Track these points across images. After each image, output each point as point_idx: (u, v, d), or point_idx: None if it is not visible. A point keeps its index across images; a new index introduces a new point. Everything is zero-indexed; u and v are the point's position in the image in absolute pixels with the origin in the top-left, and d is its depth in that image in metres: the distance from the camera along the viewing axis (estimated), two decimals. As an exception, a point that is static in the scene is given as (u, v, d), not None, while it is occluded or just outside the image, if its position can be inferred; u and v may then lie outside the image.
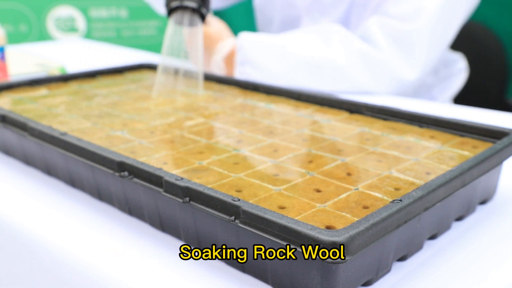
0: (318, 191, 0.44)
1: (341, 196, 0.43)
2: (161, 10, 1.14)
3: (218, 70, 0.97)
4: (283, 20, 1.15)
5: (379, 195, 0.43)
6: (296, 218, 0.39)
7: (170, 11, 0.80)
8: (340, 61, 0.92)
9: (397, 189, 0.44)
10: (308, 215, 0.39)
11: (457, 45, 1.15)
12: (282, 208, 0.41)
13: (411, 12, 0.92)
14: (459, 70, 1.11)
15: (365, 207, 0.41)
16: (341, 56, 0.92)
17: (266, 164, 0.50)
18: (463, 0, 0.95)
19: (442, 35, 0.95)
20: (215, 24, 1.00)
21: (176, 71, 0.82)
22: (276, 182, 0.45)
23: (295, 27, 1.11)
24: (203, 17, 0.81)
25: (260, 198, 0.42)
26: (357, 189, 0.44)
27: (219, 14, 2.02)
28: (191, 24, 0.80)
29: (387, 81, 0.93)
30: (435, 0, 0.92)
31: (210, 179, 0.46)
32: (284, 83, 0.92)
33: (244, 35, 0.95)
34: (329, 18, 1.05)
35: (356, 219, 0.39)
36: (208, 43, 0.98)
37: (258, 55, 0.93)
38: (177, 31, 0.81)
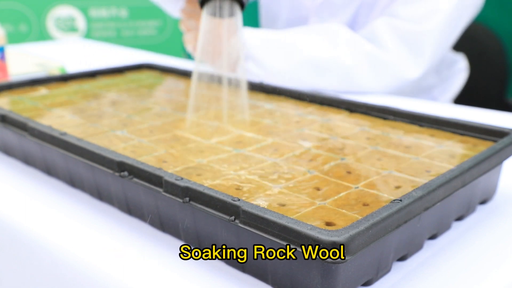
0: (318, 189, 0.44)
1: (341, 194, 0.43)
2: (173, 12, 1.10)
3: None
4: (289, 19, 1.13)
5: (379, 194, 0.43)
6: (296, 215, 0.39)
7: (203, 1, 0.65)
8: (345, 61, 0.91)
9: (397, 187, 0.44)
10: (308, 212, 0.39)
11: (457, 45, 1.15)
12: (282, 205, 0.41)
13: (422, 14, 0.92)
14: (459, 70, 1.11)
15: (365, 205, 0.41)
16: (347, 57, 0.91)
17: (266, 163, 0.50)
18: (470, 3, 0.95)
19: (449, 36, 0.95)
20: None
21: (218, 79, 0.70)
22: (276, 181, 0.45)
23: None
24: (242, 6, 0.66)
25: (260, 197, 0.42)
26: (357, 187, 0.44)
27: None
28: (231, 14, 0.66)
29: (389, 80, 0.93)
30: (448, 3, 0.92)
31: (210, 178, 0.46)
32: (287, 81, 0.91)
33: (248, 31, 0.94)
34: (337, 19, 1.04)
35: (357, 215, 0.39)
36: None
37: (262, 52, 0.92)
38: (214, 24, 0.66)
